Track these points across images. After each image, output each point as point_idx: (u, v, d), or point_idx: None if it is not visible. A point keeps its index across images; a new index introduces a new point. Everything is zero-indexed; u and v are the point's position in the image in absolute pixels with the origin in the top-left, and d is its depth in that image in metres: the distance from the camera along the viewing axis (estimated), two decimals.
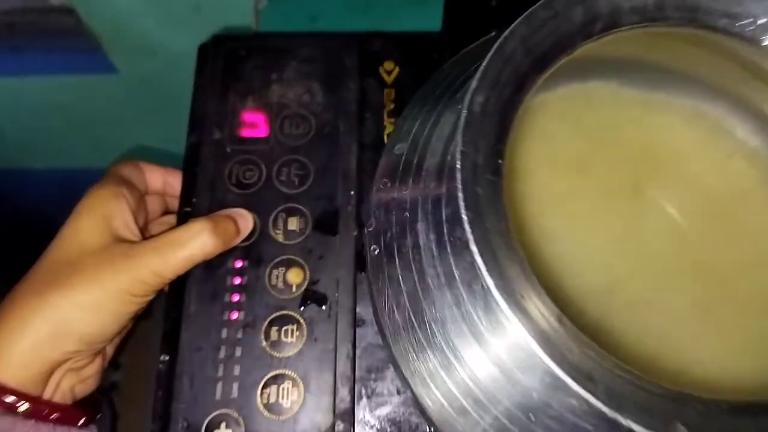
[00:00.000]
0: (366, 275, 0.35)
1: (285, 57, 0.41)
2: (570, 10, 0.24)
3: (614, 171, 0.34)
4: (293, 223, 0.37)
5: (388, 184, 0.30)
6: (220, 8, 0.67)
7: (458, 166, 0.21)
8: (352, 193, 0.37)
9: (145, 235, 0.38)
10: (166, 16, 0.68)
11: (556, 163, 0.33)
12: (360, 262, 0.36)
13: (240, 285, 0.35)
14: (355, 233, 0.36)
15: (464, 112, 0.21)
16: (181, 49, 0.71)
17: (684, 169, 0.35)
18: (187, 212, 0.37)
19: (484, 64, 0.22)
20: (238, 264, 0.36)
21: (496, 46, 0.22)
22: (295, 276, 0.35)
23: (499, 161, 0.22)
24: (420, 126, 0.29)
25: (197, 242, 0.33)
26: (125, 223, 0.35)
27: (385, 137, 0.38)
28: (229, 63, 0.40)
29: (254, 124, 0.39)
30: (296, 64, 0.40)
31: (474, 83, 0.22)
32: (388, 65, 0.40)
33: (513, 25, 0.23)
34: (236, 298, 0.35)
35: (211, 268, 0.35)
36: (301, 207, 0.37)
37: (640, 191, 0.34)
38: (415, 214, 0.28)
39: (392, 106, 0.39)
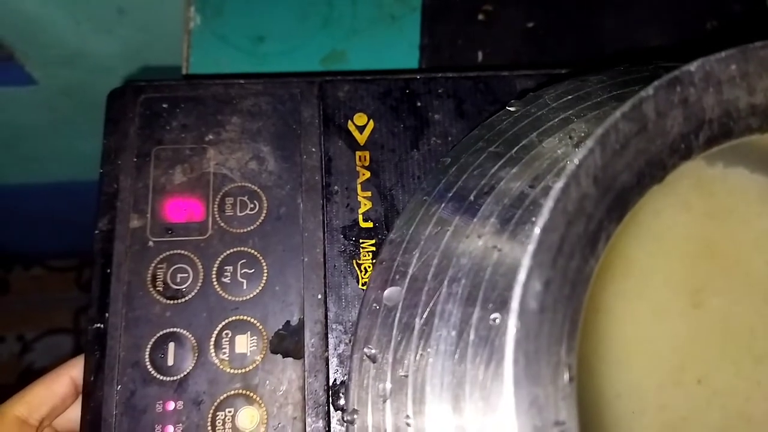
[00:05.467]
0: (344, 417, 0.26)
1: (224, 110, 0.31)
2: (664, 119, 0.15)
3: None
4: (242, 344, 0.28)
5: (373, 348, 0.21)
6: (147, 10, 0.57)
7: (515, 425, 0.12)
8: (319, 297, 0.28)
9: None
10: (83, 22, 0.59)
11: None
12: (334, 396, 0.27)
13: None
14: (326, 355, 0.27)
15: (514, 324, 0.12)
16: (105, 55, 0.62)
17: None
18: (97, 329, 0.28)
19: (536, 233, 0.13)
20: (170, 406, 0.27)
21: (554, 196, 0.13)
22: (248, 419, 0.27)
23: (568, 380, 0.14)
24: (421, 266, 0.20)
25: None
26: None
27: (360, 217, 0.29)
28: (149, 120, 0.30)
29: (185, 204, 0.29)
30: (239, 119, 0.31)
31: (526, 265, 0.13)
32: (360, 118, 0.31)
33: (580, 156, 0.14)
34: None
35: (134, 413, 0.26)
36: (252, 320, 0.28)
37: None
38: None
39: (367, 174, 0.30)
